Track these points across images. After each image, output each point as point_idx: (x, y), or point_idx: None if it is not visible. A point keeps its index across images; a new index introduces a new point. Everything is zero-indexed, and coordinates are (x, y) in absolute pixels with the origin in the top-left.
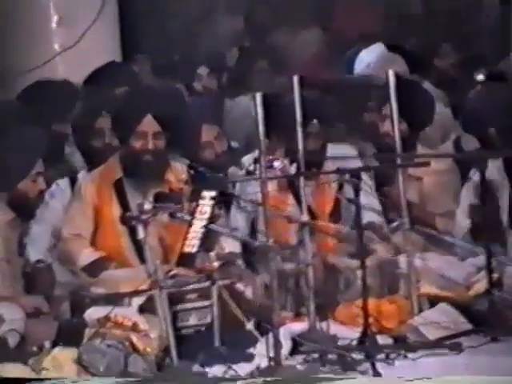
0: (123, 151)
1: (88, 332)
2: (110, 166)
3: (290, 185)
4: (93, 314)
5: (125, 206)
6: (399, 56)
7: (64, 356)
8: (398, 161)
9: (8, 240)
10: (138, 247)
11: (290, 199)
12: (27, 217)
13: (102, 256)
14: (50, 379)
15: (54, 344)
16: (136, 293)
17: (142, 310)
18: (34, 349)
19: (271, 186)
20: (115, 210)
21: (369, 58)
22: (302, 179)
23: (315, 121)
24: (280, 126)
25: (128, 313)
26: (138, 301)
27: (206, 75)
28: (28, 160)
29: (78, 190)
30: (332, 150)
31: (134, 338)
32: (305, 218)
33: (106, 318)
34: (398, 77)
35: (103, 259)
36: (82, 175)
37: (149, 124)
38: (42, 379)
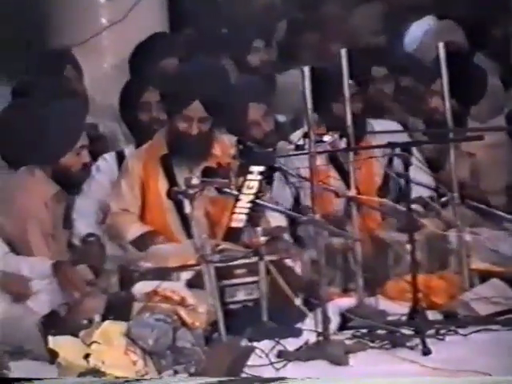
0: (169, 127)
1: (136, 306)
2: (156, 141)
3: (337, 159)
4: (141, 288)
5: (171, 181)
6: (454, 23)
7: (114, 329)
8: (450, 135)
9: (54, 214)
10: (185, 222)
11: (337, 174)
12: (71, 190)
13: (150, 230)
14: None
15: (104, 318)
16: (184, 267)
17: (190, 284)
18: (85, 322)
19: (319, 161)
20: (162, 185)
21: (418, 32)
22: (351, 154)
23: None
24: (328, 100)
25: (176, 287)
26: (186, 275)
27: (262, 48)
28: (73, 133)
29: (125, 166)
30: (377, 126)
31: (183, 312)
32: (352, 192)
33: (154, 293)
34: (448, 51)
35: (151, 233)
36: (129, 150)
37: (196, 109)
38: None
